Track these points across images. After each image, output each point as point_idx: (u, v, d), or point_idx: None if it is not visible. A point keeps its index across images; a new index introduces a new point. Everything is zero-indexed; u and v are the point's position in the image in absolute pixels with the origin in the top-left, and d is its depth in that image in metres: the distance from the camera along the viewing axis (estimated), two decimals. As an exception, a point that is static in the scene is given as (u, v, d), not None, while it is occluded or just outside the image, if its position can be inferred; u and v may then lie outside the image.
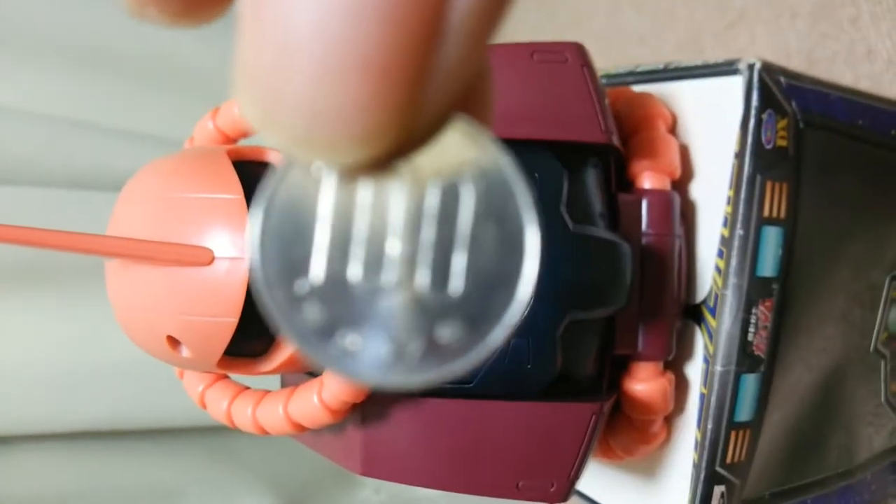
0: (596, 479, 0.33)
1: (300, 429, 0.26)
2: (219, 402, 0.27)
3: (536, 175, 0.26)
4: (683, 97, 0.30)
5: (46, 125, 0.59)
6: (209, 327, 0.23)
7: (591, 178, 0.28)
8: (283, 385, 0.31)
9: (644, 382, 0.29)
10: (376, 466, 0.26)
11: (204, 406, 0.28)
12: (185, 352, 0.24)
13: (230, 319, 0.23)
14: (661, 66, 0.32)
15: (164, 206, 0.23)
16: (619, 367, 0.29)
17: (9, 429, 0.62)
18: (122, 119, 0.61)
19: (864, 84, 0.46)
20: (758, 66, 0.28)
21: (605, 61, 0.36)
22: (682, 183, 0.30)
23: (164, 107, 0.65)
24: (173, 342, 0.24)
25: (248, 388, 0.28)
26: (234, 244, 0.22)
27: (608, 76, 0.34)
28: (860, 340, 0.33)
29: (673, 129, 0.30)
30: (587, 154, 0.27)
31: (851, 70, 0.47)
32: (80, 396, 0.62)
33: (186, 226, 0.23)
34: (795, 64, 0.48)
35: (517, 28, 0.76)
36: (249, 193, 0.23)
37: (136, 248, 0.22)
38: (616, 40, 0.63)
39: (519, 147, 0.26)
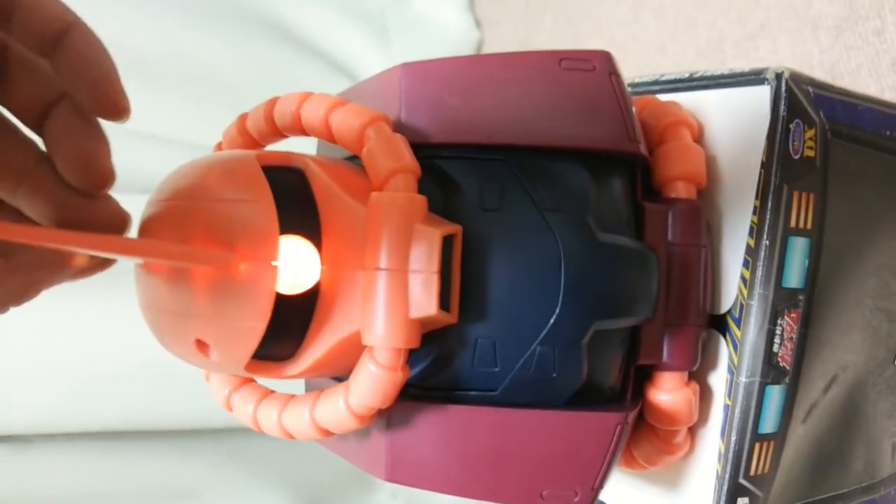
0: (618, 487, 0.33)
1: (326, 434, 0.26)
2: (245, 405, 0.28)
3: (563, 184, 0.26)
4: (709, 106, 0.30)
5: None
6: (238, 331, 0.23)
7: (618, 187, 0.28)
8: (308, 389, 0.31)
9: (668, 392, 0.28)
10: (401, 472, 0.26)
11: (230, 409, 0.28)
12: (214, 355, 0.24)
13: (259, 324, 0.23)
14: (686, 75, 0.32)
15: (193, 210, 0.23)
16: (644, 376, 0.29)
17: (30, 428, 0.63)
18: (149, 122, 0.61)
19: (889, 96, 0.45)
20: (786, 75, 0.28)
21: (624, 69, 0.36)
22: (708, 192, 0.30)
23: (188, 110, 0.65)
24: (202, 345, 0.24)
25: (273, 391, 0.28)
26: (263, 249, 0.22)
27: (633, 85, 0.34)
28: (884, 353, 0.33)
29: (699, 139, 0.30)
30: (614, 163, 0.28)
31: (876, 81, 0.47)
32: (101, 397, 0.63)
33: (216, 230, 0.23)
34: (818, 76, 0.48)
35: (535, 34, 0.77)
36: (278, 198, 0.23)
37: (164, 250, 0.22)
38: (635, 48, 0.63)
39: (545, 155, 0.27)
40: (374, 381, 0.24)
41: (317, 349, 0.25)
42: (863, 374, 0.32)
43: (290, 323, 0.24)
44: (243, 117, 0.29)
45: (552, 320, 0.25)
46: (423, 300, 0.23)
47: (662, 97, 0.32)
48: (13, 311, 0.24)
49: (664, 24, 0.61)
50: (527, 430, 0.25)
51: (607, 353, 0.27)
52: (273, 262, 0.22)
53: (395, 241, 0.23)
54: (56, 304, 0.59)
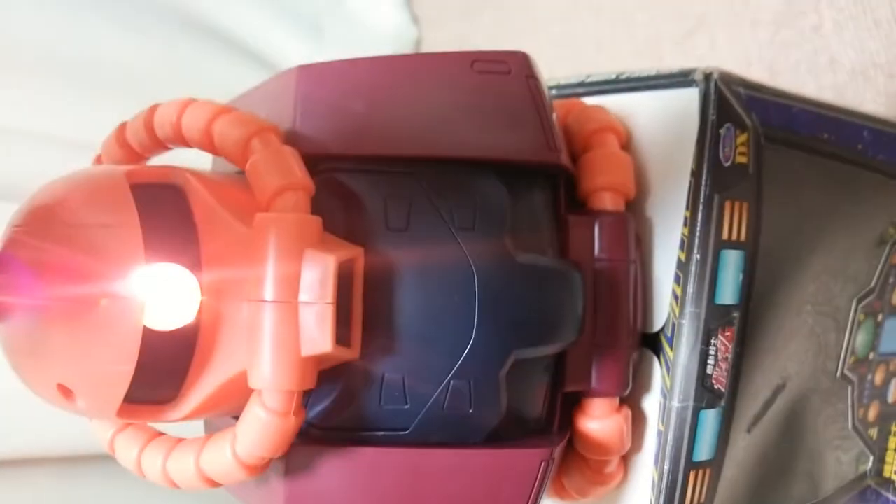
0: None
1: (214, 485, 0.23)
2: (129, 450, 0.25)
3: (477, 199, 0.23)
4: (638, 110, 0.28)
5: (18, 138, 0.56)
6: (103, 376, 0.20)
7: (539, 201, 0.25)
8: (207, 430, 0.29)
9: (598, 420, 0.26)
10: (303, 521, 0.24)
11: (113, 453, 0.25)
12: (80, 402, 0.21)
13: (126, 367, 0.20)
14: (613, 77, 0.29)
15: (50, 237, 0.20)
16: (572, 403, 0.27)
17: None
18: (79, 129, 0.57)
19: (828, 95, 0.44)
20: (715, 76, 0.26)
21: (562, 68, 0.34)
22: (637, 203, 0.28)
23: (89, 109, 0.61)
24: (66, 391, 0.21)
25: (161, 434, 0.25)
26: (126, 280, 0.19)
27: (558, 87, 0.32)
28: (826, 363, 0.32)
29: (627, 146, 0.28)
30: (534, 174, 0.25)
31: (815, 80, 0.46)
32: (58, 420, 0.59)
33: (74, 260, 0.20)
34: (757, 73, 0.47)
35: (471, 33, 0.74)
36: (149, 221, 0.21)
37: (7, 286, 0.19)
38: (573, 46, 0.61)
39: (457, 167, 0.24)
40: (263, 427, 0.21)
41: (200, 391, 0.22)
42: (806, 383, 0.31)
43: (166, 362, 0.21)
44: (123, 127, 0.26)
45: (466, 351, 0.23)
46: (317, 335, 0.21)
47: (589, 101, 0.30)
48: None
49: (601, 22, 0.59)
50: (441, 472, 0.23)
51: (530, 382, 0.25)
52: (138, 296, 0.19)
53: (283, 269, 0.20)
54: None
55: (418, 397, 0.23)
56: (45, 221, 0.21)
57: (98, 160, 0.27)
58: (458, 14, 0.77)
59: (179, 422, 0.23)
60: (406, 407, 0.23)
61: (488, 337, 0.23)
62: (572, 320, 0.25)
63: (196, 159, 0.25)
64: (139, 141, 0.25)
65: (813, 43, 0.45)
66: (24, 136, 0.57)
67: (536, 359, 0.24)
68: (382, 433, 0.23)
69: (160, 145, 0.25)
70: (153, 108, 0.24)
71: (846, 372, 0.33)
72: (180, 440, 0.24)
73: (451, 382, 0.23)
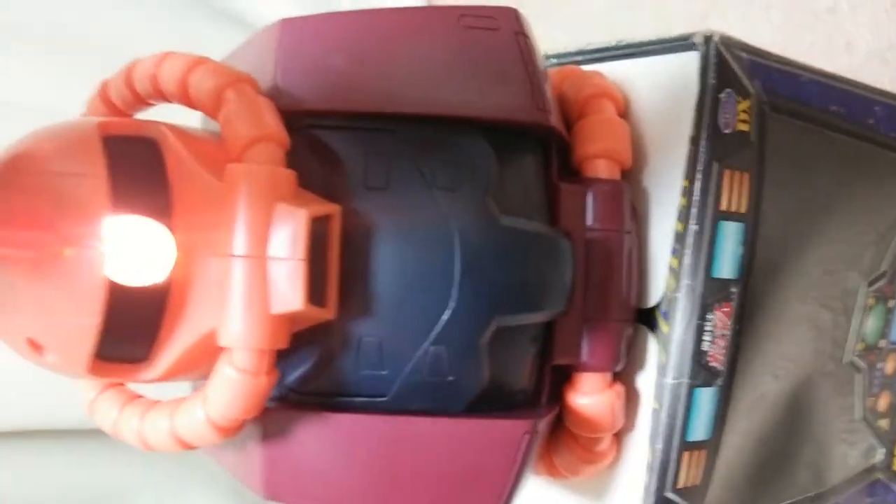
0: (540, 497, 0.30)
1: (188, 447, 0.22)
2: (108, 412, 0.24)
3: (460, 159, 0.22)
4: (636, 76, 0.27)
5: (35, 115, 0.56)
6: (69, 329, 0.20)
7: (528, 165, 0.24)
8: (195, 390, 0.28)
9: (588, 395, 0.25)
10: (281, 488, 0.23)
11: (92, 416, 0.25)
12: (49, 357, 0.21)
13: (90, 319, 0.19)
14: (612, 44, 0.28)
15: (18, 185, 0.20)
16: (563, 378, 0.26)
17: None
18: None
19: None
20: (716, 38, 0.25)
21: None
22: (634, 172, 0.27)
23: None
24: (35, 346, 0.20)
25: (139, 396, 0.24)
26: (92, 232, 0.19)
27: (558, 56, 0.31)
28: (832, 350, 0.30)
29: (625, 113, 0.27)
30: (524, 137, 0.24)
31: (830, 62, 0.44)
32: (23, 394, 0.59)
33: (40, 208, 0.19)
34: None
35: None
36: (120, 172, 0.20)
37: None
38: (584, 30, 0.60)
39: (441, 125, 0.23)
40: (232, 387, 0.20)
41: (171, 350, 0.21)
42: (810, 371, 0.30)
43: (136, 319, 0.20)
44: (106, 84, 0.25)
45: (445, 316, 0.22)
46: (288, 293, 0.20)
47: (587, 68, 0.29)
48: None
49: (613, 5, 0.58)
50: (420, 441, 0.22)
51: (515, 351, 0.24)
52: (101, 246, 0.19)
53: (253, 223, 0.20)
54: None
55: (397, 363, 0.22)
56: (13, 170, 0.20)
57: (82, 119, 0.26)
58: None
59: (155, 382, 0.22)
60: (384, 373, 0.22)
61: (468, 301, 0.22)
62: (559, 289, 0.24)
63: (188, 118, 0.24)
64: (121, 97, 0.25)
65: (827, 25, 0.44)
66: (31, 110, 0.57)
67: (521, 328, 0.24)
68: (360, 399, 0.22)
69: (141, 101, 0.24)
70: (133, 63, 0.24)
71: (854, 359, 0.31)
72: (157, 402, 0.23)
73: (430, 348, 0.22)
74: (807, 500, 0.30)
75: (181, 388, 0.26)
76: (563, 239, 0.24)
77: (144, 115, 0.26)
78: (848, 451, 0.32)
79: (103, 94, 0.25)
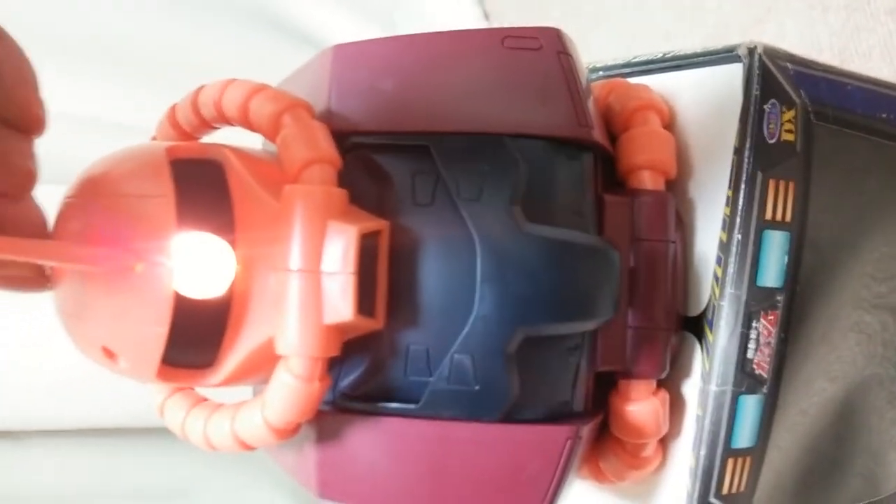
0: (587, 501, 0.31)
1: (248, 448, 0.24)
2: (176, 414, 0.26)
3: (485, 169, 0.23)
4: (681, 88, 0.28)
5: (70, 123, 0.59)
6: (140, 337, 0.21)
7: (566, 174, 0.25)
8: (255, 395, 0.30)
9: (634, 402, 0.26)
10: (333, 488, 0.24)
11: (163, 417, 0.27)
12: (122, 363, 0.22)
13: (160, 329, 0.21)
14: (658, 56, 0.29)
15: (96, 207, 0.22)
16: (610, 383, 0.27)
17: (20, 424, 0.62)
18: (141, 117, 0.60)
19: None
20: (760, 50, 0.25)
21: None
22: (680, 183, 0.27)
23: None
24: (109, 353, 0.22)
25: (205, 399, 0.26)
26: (161, 248, 0.20)
27: (605, 68, 0.31)
28: (887, 356, 0.30)
29: (671, 125, 0.28)
30: (567, 151, 0.25)
31: (889, 64, 0.44)
32: (92, 392, 0.62)
33: (116, 228, 0.21)
34: (827, 60, 0.45)
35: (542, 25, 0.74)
36: (187, 193, 0.21)
37: (55, 252, 0.21)
38: (642, 38, 0.60)
39: (483, 141, 0.24)
40: (289, 393, 0.22)
41: (234, 357, 0.23)
42: (863, 380, 0.29)
43: (201, 327, 0.22)
44: (173, 108, 0.27)
45: (468, 325, 0.22)
46: (340, 304, 0.21)
47: (634, 80, 0.29)
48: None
49: (670, 12, 0.58)
50: (463, 445, 0.23)
51: (551, 361, 0.24)
52: (169, 261, 0.20)
53: (308, 240, 0.21)
54: (45, 298, 0.59)
55: (435, 370, 0.23)
56: (91, 192, 0.22)
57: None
58: (527, 7, 0.77)
59: (219, 387, 0.24)
60: (431, 379, 0.23)
61: (490, 309, 0.22)
62: (598, 299, 0.24)
63: (250, 141, 0.26)
64: (188, 121, 0.26)
65: (888, 26, 0.43)
66: (77, 120, 0.60)
67: (558, 337, 0.24)
68: (395, 405, 0.23)
69: (206, 125, 0.26)
70: (199, 89, 0.26)
71: (910, 367, 0.31)
72: (221, 405, 0.25)
73: (454, 356, 0.22)
74: (860, 509, 0.30)
75: (245, 393, 0.27)
76: (607, 248, 0.24)
77: (211, 137, 0.27)
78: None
79: (171, 118, 0.27)
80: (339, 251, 0.21)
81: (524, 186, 0.23)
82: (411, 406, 0.23)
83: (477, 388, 0.23)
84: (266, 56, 0.75)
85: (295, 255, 0.21)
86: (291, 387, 0.22)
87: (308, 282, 0.21)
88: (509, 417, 0.23)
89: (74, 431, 0.64)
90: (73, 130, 0.57)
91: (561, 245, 0.23)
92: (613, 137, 0.27)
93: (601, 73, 0.31)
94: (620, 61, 0.31)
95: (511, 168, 0.23)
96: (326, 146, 0.22)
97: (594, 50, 0.64)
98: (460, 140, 0.23)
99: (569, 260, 0.23)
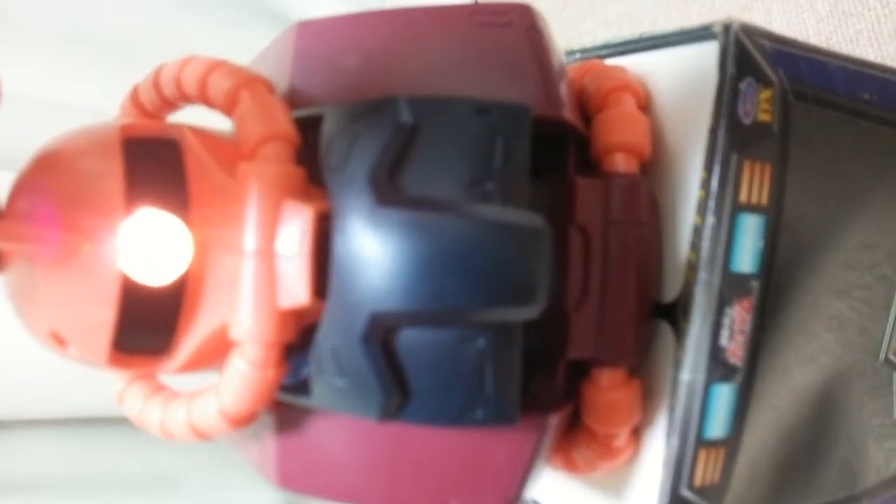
0: (558, 491, 0.30)
1: (204, 437, 0.23)
2: (134, 402, 0.25)
3: (360, 129, 0.21)
4: (657, 68, 0.27)
5: (51, 111, 0.58)
6: (87, 321, 0.21)
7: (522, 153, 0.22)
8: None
9: (605, 391, 0.25)
10: (293, 479, 0.23)
11: (122, 405, 0.26)
12: (72, 349, 0.22)
13: (106, 312, 0.20)
14: (636, 37, 0.28)
15: (42, 185, 0.21)
16: (581, 372, 0.26)
17: (10, 414, 0.62)
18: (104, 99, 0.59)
19: (891, 64, 0.41)
20: (735, 27, 0.24)
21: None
22: (653, 166, 0.27)
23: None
24: (58, 338, 0.22)
25: (164, 387, 0.25)
26: (106, 226, 0.20)
27: (583, 50, 0.31)
28: (868, 346, 0.29)
29: (646, 107, 0.27)
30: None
31: (876, 50, 0.43)
32: (82, 382, 0.61)
33: (62, 206, 0.20)
34: (814, 44, 0.44)
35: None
36: (138, 172, 0.21)
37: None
38: (628, 25, 0.60)
39: (372, 104, 0.21)
40: (243, 380, 0.21)
41: (189, 342, 0.22)
42: (844, 368, 0.29)
43: (153, 311, 0.21)
44: (136, 89, 0.26)
45: (328, 311, 0.20)
46: (295, 287, 0.20)
47: (611, 62, 0.28)
48: None
49: (658, 0, 0.57)
50: (425, 434, 0.22)
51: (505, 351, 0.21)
52: (116, 241, 0.20)
53: (262, 220, 0.20)
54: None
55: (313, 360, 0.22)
56: (40, 170, 0.21)
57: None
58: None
59: (176, 373, 0.23)
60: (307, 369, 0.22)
61: (342, 296, 0.20)
62: (532, 284, 0.20)
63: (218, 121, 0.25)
64: (150, 101, 0.25)
65: (876, 11, 0.42)
66: (51, 105, 0.59)
67: (509, 327, 0.21)
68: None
69: (168, 104, 0.25)
70: (159, 68, 0.25)
71: (891, 357, 0.30)
72: (178, 394, 0.24)
73: (324, 345, 0.21)
74: (838, 501, 0.29)
75: (210, 380, 0.26)
76: (540, 229, 0.21)
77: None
78: (887, 455, 0.31)
79: (134, 98, 0.26)
80: (295, 232, 0.20)
81: (400, 154, 0.20)
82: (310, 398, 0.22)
83: (341, 381, 0.21)
84: (255, 42, 0.74)
85: (249, 236, 0.20)
86: (245, 374, 0.21)
87: (262, 263, 0.20)
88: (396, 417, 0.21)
89: (58, 421, 0.64)
90: (44, 116, 0.57)
91: (426, 224, 0.19)
92: (588, 119, 0.27)
93: (578, 55, 0.31)
94: (599, 42, 0.30)
95: (389, 132, 0.20)
96: (283, 123, 0.21)
97: (583, 37, 0.63)
98: (361, 105, 0.21)
99: (460, 241, 0.19)
